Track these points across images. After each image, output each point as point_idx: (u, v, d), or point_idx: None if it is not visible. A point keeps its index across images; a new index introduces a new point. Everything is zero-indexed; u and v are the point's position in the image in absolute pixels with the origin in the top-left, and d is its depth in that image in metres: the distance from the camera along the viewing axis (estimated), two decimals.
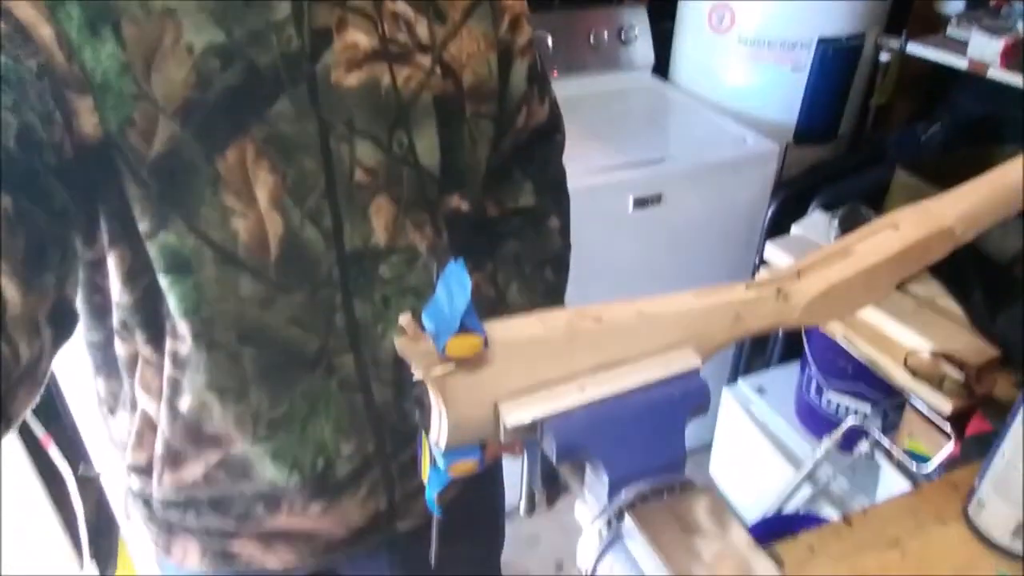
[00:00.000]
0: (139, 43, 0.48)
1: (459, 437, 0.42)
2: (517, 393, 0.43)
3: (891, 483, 1.28)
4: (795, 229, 1.43)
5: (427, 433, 0.44)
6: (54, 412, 1.34)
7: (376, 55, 0.54)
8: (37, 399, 0.40)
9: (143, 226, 0.52)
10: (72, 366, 1.18)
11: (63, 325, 0.42)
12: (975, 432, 1.06)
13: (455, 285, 0.41)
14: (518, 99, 0.68)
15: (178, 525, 0.67)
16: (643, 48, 1.83)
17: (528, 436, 0.43)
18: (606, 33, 1.77)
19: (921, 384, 1.09)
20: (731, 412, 1.67)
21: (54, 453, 1.31)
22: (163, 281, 0.54)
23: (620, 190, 1.43)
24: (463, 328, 0.39)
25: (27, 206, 0.42)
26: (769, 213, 1.60)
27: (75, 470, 1.33)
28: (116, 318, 0.58)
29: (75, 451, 1.34)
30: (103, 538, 1.51)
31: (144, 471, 0.64)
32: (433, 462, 0.45)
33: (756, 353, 1.82)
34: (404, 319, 0.40)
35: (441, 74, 0.58)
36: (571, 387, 0.44)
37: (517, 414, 0.42)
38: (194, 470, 0.63)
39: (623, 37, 1.79)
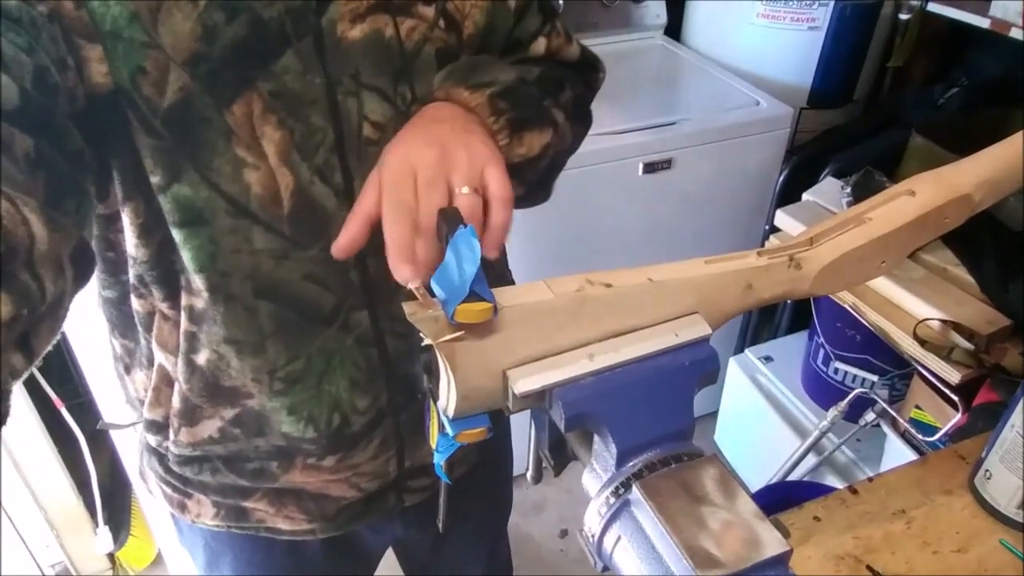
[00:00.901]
0: None
1: (468, 404, 0.42)
2: (526, 360, 0.43)
3: (897, 453, 1.29)
4: (806, 196, 1.41)
5: (435, 400, 0.44)
6: (67, 375, 1.35)
7: (378, 6, 0.53)
8: (56, 338, 0.41)
9: (156, 179, 0.52)
10: (84, 327, 1.19)
11: (83, 266, 0.42)
12: (983, 402, 1.05)
13: (465, 251, 0.40)
14: (529, 31, 0.63)
15: (193, 481, 0.68)
16: (655, 7, 1.78)
17: (537, 404, 0.43)
18: None
19: (930, 354, 1.08)
20: (738, 381, 1.67)
21: (67, 416, 1.33)
22: (177, 235, 0.54)
23: (630, 154, 1.41)
24: (472, 294, 0.38)
25: (47, 149, 0.41)
26: (781, 179, 1.58)
27: (87, 435, 1.35)
28: (132, 274, 0.58)
29: (88, 414, 1.35)
30: (116, 502, 1.54)
31: (161, 427, 0.65)
32: (442, 428, 0.45)
33: (764, 322, 1.81)
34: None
35: (444, 26, 0.57)
36: (580, 355, 0.43)
37: (526, 382, 0.42)
38: (210, 425, 0.63)
39: None
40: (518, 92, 0.55)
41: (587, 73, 0.70)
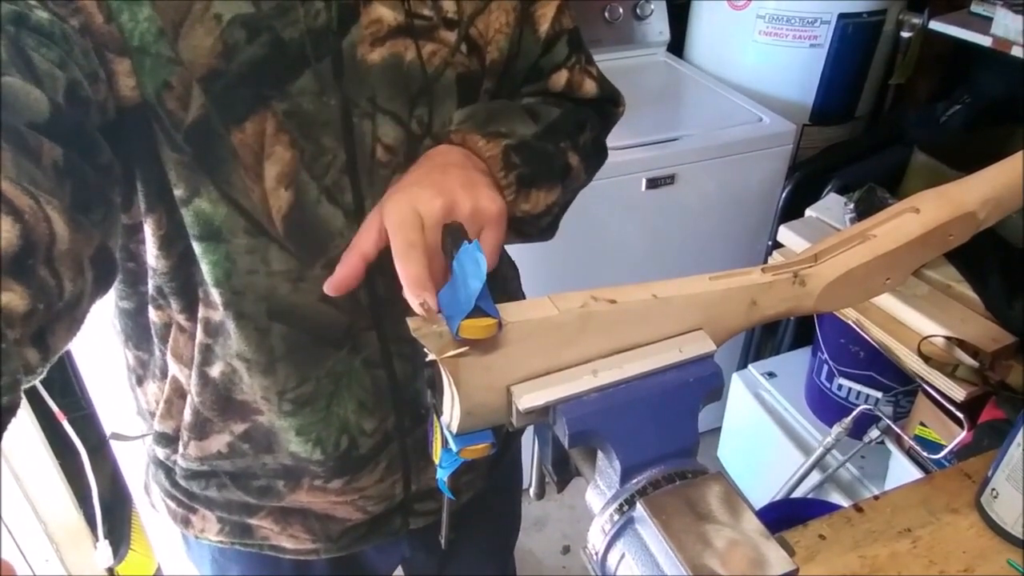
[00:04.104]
0: (170, 8, 0.48)
1: (472, 420, 0.42)
2: (530, 376, 0.43)
3: (901, 471, 1.28)
4: (809, 212, 1.41)
5: (439, 416, 0.44)
6: (69, 387, 1.35)
7: (400, 30, 0.53)
8: (73, 339, 0.41)
9: (178, 192, 0.52)
10: (87, 339, 1.19)
11: (105, 270, 0.42)
12: (988, 420, 1.05)
13: (470, 266, 0.40)
14: (554, 62, 0.63)
15: (199, 496, 0.68)
16: (658, 24, 1.80)
17: (541, 420, 0.43)
18: (621, 9, 1.74)
19: (934, 371, 1.08)
20: (741, 397, 1.66)
21: (68, 429, 1.32)
22: (196, 248, 0.55)
23: (633, 170, 1.42)
24: (477, 310, 0.39)
25: (76, 159, 0.42)
26: (783, 195, 1.58)
27: (88, 448, 1.34)
28: (152, 284, 0.58)
29: (90, 427, 1.35)
30: (117, 516, 1.53)
31: (171, 440, 0.65)
32: (445, 444, 0.45)
33: (767, 338, 1.81)
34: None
35: (466, 51, 0.57)
36: (584, 371, 0.43)
37: (530, 398, 0.42)
38: (219, 440, 0.63)
39: (638, 13, 1.76)
40: (533, 148, 0.56)
41: (605, 108, 0.69)
